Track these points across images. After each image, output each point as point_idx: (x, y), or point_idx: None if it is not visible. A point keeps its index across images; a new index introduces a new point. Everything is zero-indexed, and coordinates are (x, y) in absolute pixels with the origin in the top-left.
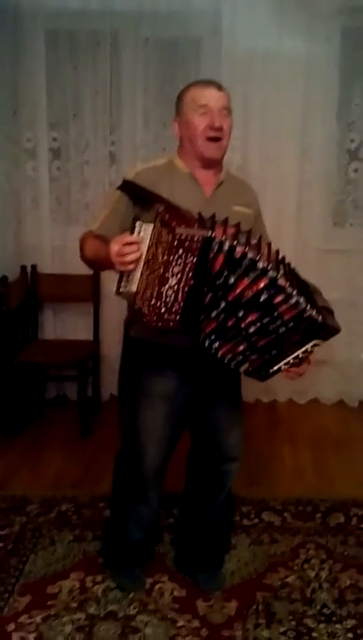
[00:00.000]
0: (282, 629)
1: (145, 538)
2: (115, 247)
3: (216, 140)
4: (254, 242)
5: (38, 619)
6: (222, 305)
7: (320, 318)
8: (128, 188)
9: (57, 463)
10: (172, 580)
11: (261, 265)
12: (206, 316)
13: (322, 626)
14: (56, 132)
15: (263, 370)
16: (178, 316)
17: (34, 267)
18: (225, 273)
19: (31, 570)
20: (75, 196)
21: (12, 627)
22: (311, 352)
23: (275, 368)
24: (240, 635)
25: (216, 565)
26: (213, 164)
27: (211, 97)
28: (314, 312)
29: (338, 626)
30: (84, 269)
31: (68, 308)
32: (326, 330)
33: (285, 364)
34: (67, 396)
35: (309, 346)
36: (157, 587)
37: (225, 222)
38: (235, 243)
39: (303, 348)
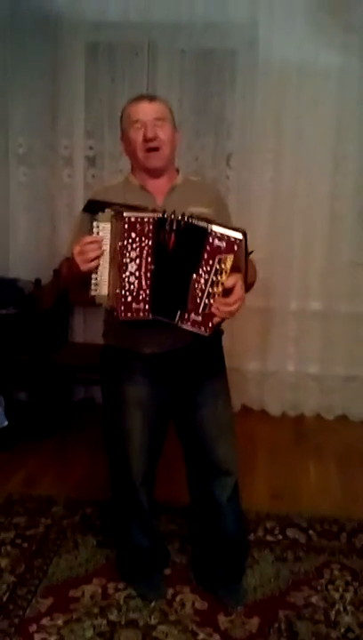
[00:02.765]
0: None
1: (152, 543)
2: (76, 249)
3: (155, 149)
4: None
5: (60, 622)
6: (180, 278)
7: (205, 223)
8: (89, 206)
9: (82, 466)
10: (193, 592)
11: (196, 223)
12: (172, 296)
13: None
14: (92, 141)
15: (192, 311)
16: (147, 305)
17: None
18: (178, 249)
19: (54, 572)
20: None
21: (33, 628)
22: (224, 272)
23: (201, 305)
24: None
25: (235, 579)
26: (160, 173)
27: (142, 110)
28: (201, 222)
29: None
30: None
31: (97, 312)
32: (219, 235)
33: (207, 297)
34: (94, 399)
35: (215, 264)
36: (178, 598)
37: (173, 212)
38: (180, 218)
39: (212, 269)
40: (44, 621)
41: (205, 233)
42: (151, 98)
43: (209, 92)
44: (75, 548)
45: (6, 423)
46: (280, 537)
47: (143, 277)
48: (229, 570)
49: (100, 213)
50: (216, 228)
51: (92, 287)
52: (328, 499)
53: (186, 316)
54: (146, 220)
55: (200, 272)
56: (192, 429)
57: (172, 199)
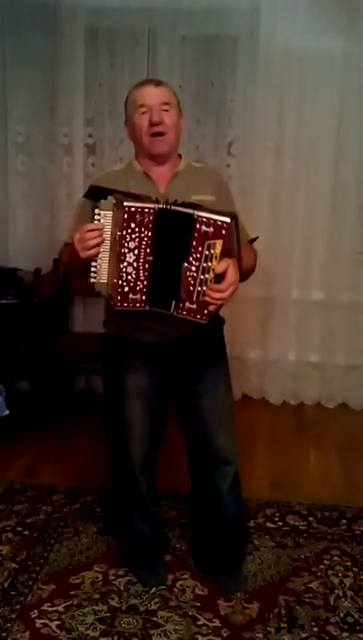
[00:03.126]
0: (304, 635)
1: (152, 530)
2: (77, 236)
3: (160, 134)
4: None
5: (61, 607)
6: (174, 268)
7: (191, 210)
8: (91, 192)
9: (83, 455)
10: (194, 578)
11: (183, 213)
12: (169, 288)
13: (345, 634)
14: (92, 129)
15: (186, 300)
16: (144, 296)
17: None
18: (175, 240)
19: (55, 559)
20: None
21: (35, 613)
22: (214, 257)
23: (195, 293)
24: (261, 637)
25: (235, 565)
26: (165, 160)
27: (148, 95)
28: (187, 210)
29: (362, 635)
30: None
31: (97, 302)
32: (204, 220)
33: (200, 285)
34: (94, 388)
35: (205, 250)
36: (178, 583)
37: (175, 201)
38: (180, 210)
39: (202, 256)
40: (45, 607)
41: (192, 219)
42: (158, 82)
43: (210, 78)
44: (75, 536)
45: (7, 412)
46: (280, 524)
47: (141, 268)
48: (230, 556)
49: (102, 201)
50: (202, 214)
51: (92, 275)
52: (329, 486)
53: (181, 305)
54: (146, 210)
55: (190, 259)
56: (193, 418)
57: (174, 186)
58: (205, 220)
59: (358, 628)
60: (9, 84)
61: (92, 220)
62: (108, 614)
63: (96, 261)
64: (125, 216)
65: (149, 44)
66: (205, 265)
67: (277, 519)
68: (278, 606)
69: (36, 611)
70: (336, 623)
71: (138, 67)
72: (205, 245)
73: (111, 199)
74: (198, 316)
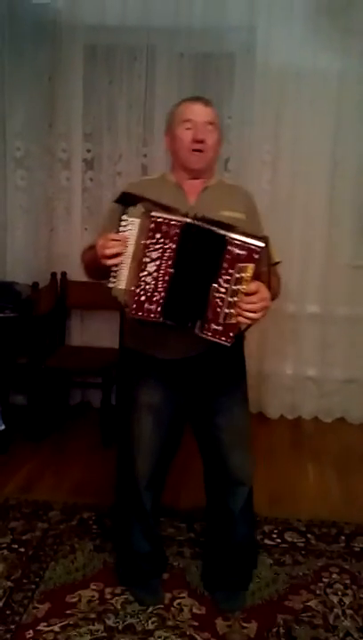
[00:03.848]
0: None
1: (153, 548)
2: (100, 241)
3: (199, 151)
4: (221, 223)
5: (57, 627)
6: (196, 286)
7: (223, 231)
8: (122, 198)
9: (79, 470)
10: (191, 597)
11: (216, 233)
12: (185, 303)
13: None
14: (90, 144)
15: (213, 322)
16: (160, 308)
17: (64, 274)
18: (197, 255)
19: (51, 577)
20: (106, 206)
21: (30, 634)
22: (246, 280)
23: (222, 315)
24: None
25: (237, 586)
26: (199, 175)
27: (196, 112)
28: (220, 231)
29: None
30: None
31: (95, 315)
32: (238, 244)
33: (228, 307)
34: (90, 403)
35: (235, 273)
36: (176, 602)
37: (202, 216)
38: (206, 226)
39: (233, 279)
40: (41, 627)
41: (224, 241)
42: (207, 102)
43: (207, 95)
44: (72, 553)
45: (3, 427)
46: (279, 541)
47: (161, 280)
48: (237, 576)
49: (130, 208)
50: (235, 236)
51: (111, 280)
52: (327, 502)
53: (206, 326)
54: (173, 222)
55: (220, 281)
56: (208, 436)
57: (203, 200)
58: (238, 242)
59: None
60: (8, 99)
61: (119, 225)
62: (104, 634)
63: (117, 267)
64: (151, 226)
65: (147, 61)
66: (234, 288)
67: (275, 536)
68: (276, 625)
69: (31, 631)
70: None
71: (136, 83)
72: (236, 268)
73: (140, 207)
74: (223, 338)
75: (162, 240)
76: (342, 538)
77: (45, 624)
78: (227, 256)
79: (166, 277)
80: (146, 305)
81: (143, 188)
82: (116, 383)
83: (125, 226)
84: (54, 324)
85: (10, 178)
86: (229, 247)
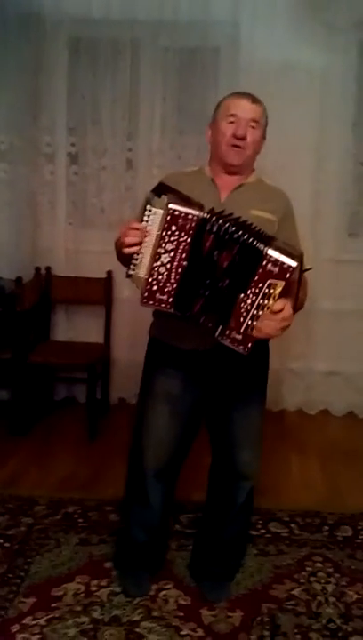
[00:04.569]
0: None
1: (149, 541)
2: (122, 229)
3: (238, 147)
4: (239, 221)
5: (42, 621)
6: (208, 282)
7: (263, 246)
8: (158, 188)
9: (64, 465)
10: (177, 588)
11: (236, 235)
12: (196, 296)
13: None
14: (74, 138)
15: (234, 329)
16: (171, 298)
17: (48, 269)
18: (212, 252)
19: (37, 571)
20: (91, 200)
21: (16, 628)
22: (273, 296)
23: (244, 325)
24: None
25: (224, 577)
26: (235, 171)
27: (242, 107)
28: (257, 243)
29: None
30: (98, 273)
31: (80, 310)
32: (273, 260)
33: (251, 319)
34: (76, 398)
35: (265, 287)
36: (162, 593)
37: (222, 212)
38: (221, 222)
39: (261, 292)
40: (27, 621)
41: (261, 256)
42: (255, 99)
43: (192, 89)
44: (57, 547)
45: None
46: (263, 531)
47: (174, 271)
48: (219, 566)
49: (156, 198)
50: (272, 252)
51: (131, 267)
52: (311, 493)
53: (227, 333)
54: (190, 216)
55: (248, 293)
56: (222, 429)
57: (235, 197)
58: (273, 260)
59: (340, 634)
60: None
61: (143, 214)
62: (90, 626)
63: (138, 255)
64: (168, 218)
65: (131, 55)
66: (261, 302)
67: (259, 527)
68: (261, 614)
69: (17, 625)
70: (318, 630)
71: (120, 77)
72: (267, 283)
73: (164, 198)
74: (241, 347)
75: (178, 232)
76: (326, 527)
77: (31, 618)
78: (260, 270)
79: (179, 269)
80: (157, 295)
81: (177, 179)
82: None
83: (147, 216)
84: (38, 318)
85: None
86: (264, 262)
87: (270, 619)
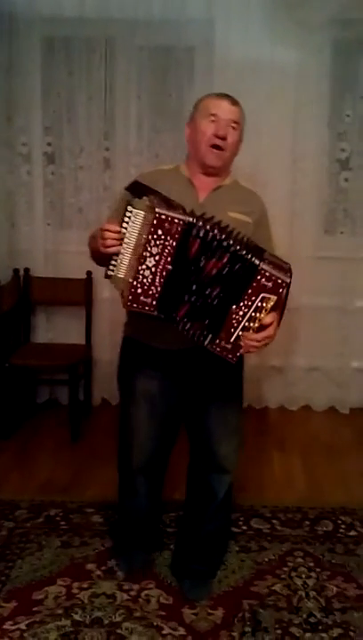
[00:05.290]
0: (268, 638)
1: (142, 524)
2: (101, 230)
3: (219, 148)
4: (227, 229)
5: (23, 625)
6: (194, 288)
7: (257, 261)
8: (133, 187)
9: (47, 468)
10: (159, 587)
11: (225, 243)
12: (181, 300)
13: (308, 635)
14: (51, 137)
15: (223, 339)
16: (155, 302)
17: (27, 270)
18: (198, 257)
19: (18, 575)
20: (69, 200)
21: None
22: (264, 310)
23: (234, 335)
24: None
25: (204, 574)
26: (214, 173)
27: (223, 108)
28: (252, 258)
29: (324, 635)
30: (77, 273)
31: (60, 311)
32: (267, 275)
33: (241, 330)
34: (58, 399)
35: (257, 301)
36: (143, 593)
37: (211, 218)
38: (209, 228)
39: (253, 305)
40: (7, 626)
41: (256, 270)
42: (234, 101)
43: (167, 88)
44: (38, 550)
45: None
46: (245, 527)
47: (158, 275)
48: (200, 564)
49: (136, 199)
50: (266, 267)
51: (111, 268)
52: (292, 489)
53: (217, 342)
54: (176, 221)
55: (241, 305)
56: (200, 424)
57: (213, 198)
58: (267, 275)
59: (320, 627)
60: None
61: (124, 215)
62: (71, 629)
63: (117, 256)
64: (155, 222)
65: (106, 54)
66: (253, 314)
67: (241, 523)
68: (242, 611)
69: None
70: (299, 624)
71: (95, 76)
72: (260, 297)
73: (145, 200)
74: (229, 356)
75: (163, 236)
76: (307, 522)
77: (11, 622)
78: (254, 284)
79: (164, 273)
80: (141, 297)
81: (156, 178)
82: (117, 371)
83: (128, 217)
84: (18, 321)
85: None
86: (259, 277)
87: (252, 615)
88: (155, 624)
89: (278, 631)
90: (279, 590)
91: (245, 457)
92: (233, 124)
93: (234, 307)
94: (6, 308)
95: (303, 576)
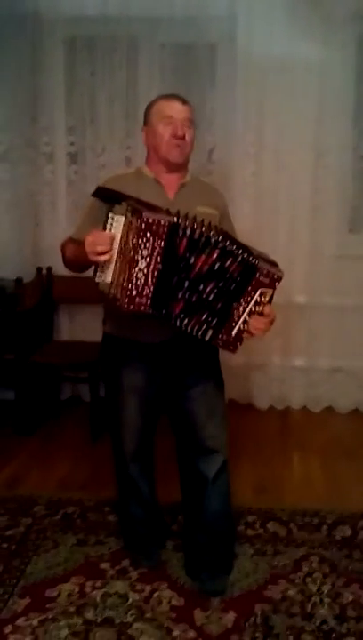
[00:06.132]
0: None
1: (147, 515)
2: (89, 239)
3: (178, 146)
4: (207, 225)
5: (35, 622)
6: (186, 284)
7: (255, 260)
8: (100, 193)
9: (66, 465)
10: (171, 589)
11: (213, 240)
12: (174, 297)
13: None
14: (73, 137)
15: (225, 333)
16: (149, 300)
17: (49, 269)
18: (187, 255)
19: (32, 572)
20: (86, 200)
21: (9, 629)
22: (263, 303)
23: (235, 329)
24: None
25: (219, 568)
26: (177, 169)
27: (176, 109)
28: (250, 258)
29: None
30: None
31: (83, 309)
32: (265, 272)
33: (243, 323)
34: (81, 397)
35: (257, 296)
36: (155, 594)
37: (186, 215)
38: (195, 226)
39: (253, 300)
40: (20, 622)
41: (255, 269)
42: (184, 101)
43: (189, 86)
44: (54, 548)
45: None
46: (261, 531)
47: (150, 275)
48: (216, 555)
49: (116, 206)
50: (264, 266)
51: (98, 274)
52: (312, 492)
53: (219, 336)
54: (162, 222)
55: (241, 301)
56: (182, 409)
57: (182, 195)
58: (265, 272)
59: (333, 635)
60: None
61: (105, 222)
62: (82, 628)
63: (103, 262)
64: (143, 226)
65: (128, 52)
66: (253, 308)
67: (257, 526)
68: (254, 615)
69: (10, 626)
70: (312, 631)
71: (117, 75)
72: (258, 292)
73: (125, 205)
74: (231, 347)
75: (152, 238)
76: (325, 527)
77: (24, 618)
78: (253, 282)
79: (155, 272)
80: (137, 299)
81: (122, 183)
82: (101, 367)
83: (110, 224)
84: (41, 319)
85: None
86: (258, 274)
87: (263, 620)
88: (165, 625)
89: (290, 637)
90: (293, 596)
91: (264, 458)
92: (187, 123)
93: (235, 304)
94: (29, 305)
95: (318, 582)
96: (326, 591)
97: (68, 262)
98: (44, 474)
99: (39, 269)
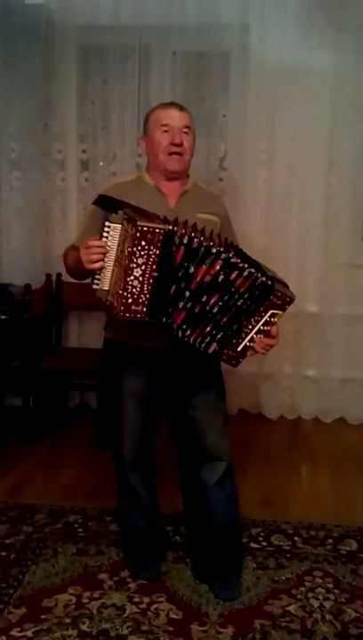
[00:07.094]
0: None
1: (148, 524)
2: (83, 247)
3: (177, 154)
4: (207, 234)
5: (30, 632)
6: (187, 294)
7: (270, 282)
8: (101, 201)
9: (71, 472)
10: (169, 601)
11: (214, 250)
12: (174, 307)
13: None
14: (85, 144)
15: (230, 349)
16: (145, 308)
17: (59, 275)
18: (186, 264)
19: (30, 581)
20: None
21: (2, 639)
22: (272, 324)
23: (241, 345)
24: None
25: (227, 573)
26: (177, 177)
27: (172, 117)
28: (264, 278)
29: None
30: None
31: (92, 316)
32: (279, 295)
33: (249, 340)
34: (89, 404)
35: (267, 316)
36: (153, 607)
37: (185, 222)
38: (192, 235)
39: (262, 320)
40: (14, 632)
41: (271, 291)
42: (181, 107)
43: (202, 93)
44: (53, 557)
45: None
46: (265, 544)
47: (146, 283)
48: (225, 561)
49: (113, 214)
50: (279, 288)
51: (95, 281)
52: (319, 505)
53: (225, 352)
54: (157, 230)
55: (251, 320)
56: (184, 417)
57: (183, 203)
58: (278, 294)
59: None
60: (2, 101)
61: (102, 231)
62: (77, 639)
63: (100, 270)
64: (138, 234)
65: (140, 61)
66: (262, 327)
67: (261, 539)
68: (252, 631)
69: (3, 637)
70: None
71: (130, 83)
72: (269, 313)
73: (121, 214)
74: (233, 362)
75: (147, 246)
76: (330, 541)
77: (19, 629)
78: (266, 303)
79: (151, 280)
80: (133, 307)
81: (122, 191)
82: (103, 373)
83: (107, 232)
84: (49, 325)
85: (5, 179)
86: (272, 297)
87: (262, 636)
88: (161, 639)
89: None
90: (294, 611)
91: (272, 469)
92: (185, 130)
93: (244, 321)
94: (37, 312)
95: (321, 597)
96: (328, 607)
97: (69, 270)
98: (48, 481)
99: (48, 276)
